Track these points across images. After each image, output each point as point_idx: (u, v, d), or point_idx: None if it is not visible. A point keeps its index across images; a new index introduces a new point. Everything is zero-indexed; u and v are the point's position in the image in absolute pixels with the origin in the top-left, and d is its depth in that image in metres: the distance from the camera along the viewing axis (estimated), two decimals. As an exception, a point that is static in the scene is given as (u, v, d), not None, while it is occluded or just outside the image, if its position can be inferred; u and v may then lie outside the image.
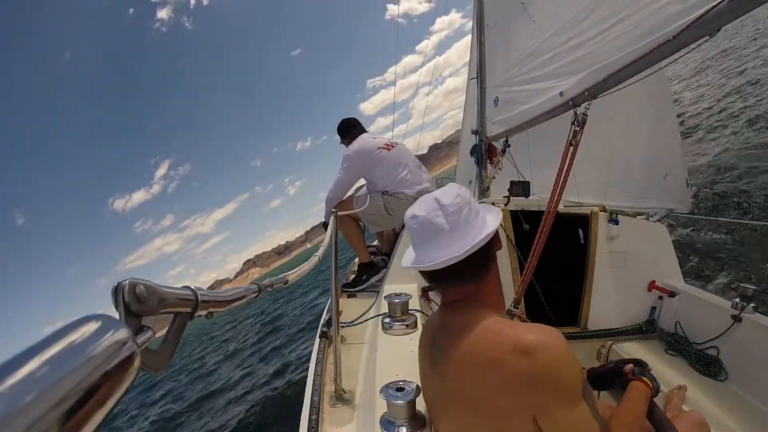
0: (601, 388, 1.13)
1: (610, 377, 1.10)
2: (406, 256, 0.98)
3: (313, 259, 1.11)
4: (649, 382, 1.00)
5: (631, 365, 1.07)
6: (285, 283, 0.78)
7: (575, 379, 0.75)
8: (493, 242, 0.89)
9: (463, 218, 0.86)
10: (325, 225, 2.24)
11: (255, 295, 0.61)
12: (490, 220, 0.89)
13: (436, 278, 0.91)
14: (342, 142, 2.70)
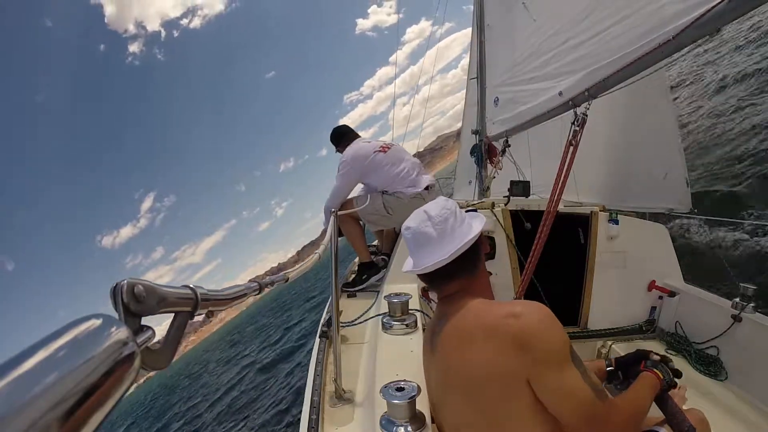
0: (625, 377, 1.16)
1: (630, 366, 1.14)
2: (406, 263, 1.09)
3: (314, 257, 1.12)
4: (660, 374, 1.04)
5: (647, 354, 1.12)
6: (285, 281, 0.79)
7: (562, 340, 0.84)
8: (478, 244, 1.02)
9: (449, 226, 0.99)
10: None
11: (256, 293, 0.61)
12: (476, 225, 1.01)
13: (430, 279, 1.03)
14: (337, 150, 2.66)
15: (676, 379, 1.08)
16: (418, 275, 1.05)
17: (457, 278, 1.00)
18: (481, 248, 1.04)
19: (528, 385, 0.82)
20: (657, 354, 1.13)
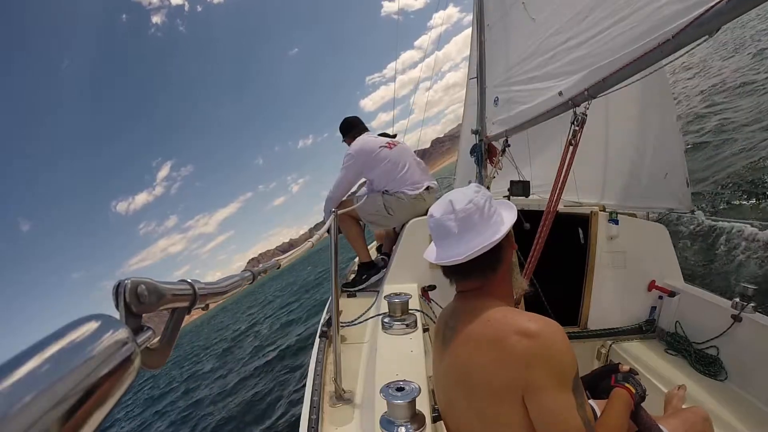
0: (594, 395, 1.12)
1: (597, 383, 1.10)
2: (428, 249, 1.06)
3: (306, 245, 1.12)
4: (632, 388, 1.01)
5: (616, 368, 1.08)
6: (278, 268, 0.80)
7: (569, 365, 0.80)
8: (503, 245, 0.95)
9: (472, 224, 0.93)
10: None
11: (250, 282, 0.62)
12: (507, 220, 0.96)
13: (447, 272, 1.01)
14: (344, 141, 2.70)
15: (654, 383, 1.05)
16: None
17: (474, 277, 0.96)
18: (506, 249, 0.98)
19: (521, 403, 0.80)
20: (625, 366, 1.09)
